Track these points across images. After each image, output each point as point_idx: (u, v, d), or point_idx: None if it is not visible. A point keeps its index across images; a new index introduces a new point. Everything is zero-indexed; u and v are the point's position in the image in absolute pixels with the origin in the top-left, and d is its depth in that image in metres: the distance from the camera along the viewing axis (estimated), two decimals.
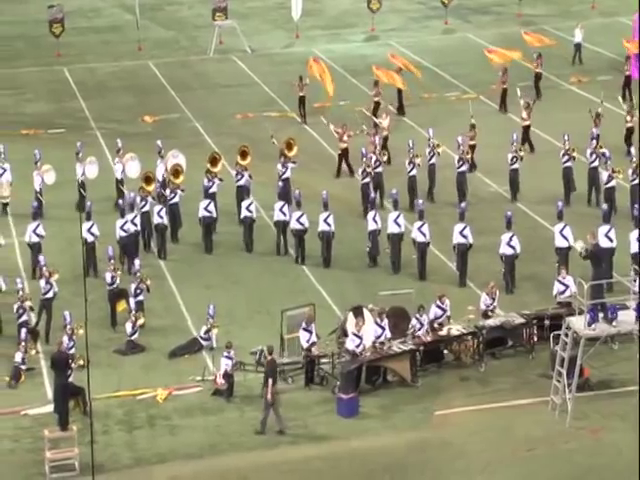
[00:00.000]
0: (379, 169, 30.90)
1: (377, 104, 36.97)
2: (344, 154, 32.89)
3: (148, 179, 29.47)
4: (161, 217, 28.63)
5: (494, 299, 24.11)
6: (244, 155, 31.06)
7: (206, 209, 28.94)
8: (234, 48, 47.57)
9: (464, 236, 26.59)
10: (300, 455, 20.35)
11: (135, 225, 28.09)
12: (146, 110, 39.84)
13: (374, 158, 30.96)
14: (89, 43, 49.42)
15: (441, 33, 49.43)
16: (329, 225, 27.81)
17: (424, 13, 52.27)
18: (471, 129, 32.90)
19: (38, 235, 27.50)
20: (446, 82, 42.08)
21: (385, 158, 31.29)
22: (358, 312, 23.00)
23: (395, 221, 27.39)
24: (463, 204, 27.31)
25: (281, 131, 33.37)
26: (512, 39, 43.96)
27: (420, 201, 28.13)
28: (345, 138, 32.76)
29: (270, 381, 20.97)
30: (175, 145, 34.64)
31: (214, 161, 30.69)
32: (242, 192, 29.82)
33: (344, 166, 33.14)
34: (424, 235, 26.98)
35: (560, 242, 26.37)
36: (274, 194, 29.81)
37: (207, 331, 23.91)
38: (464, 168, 30.95)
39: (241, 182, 30.32)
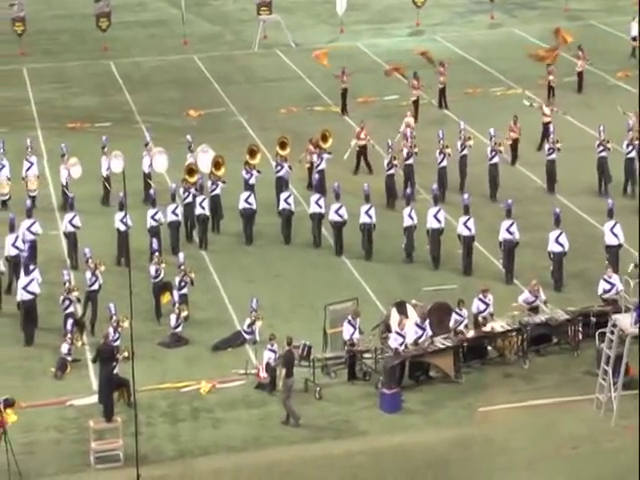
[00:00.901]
0: (410, 161, 30.95)
1: (416, 101, 36.92)
2: (362, 152, 32.77)
3: (191, 171, 29.58)
4: (203, 208, 28.74)
5: (536, 297, 23.90)
6: (283, 146, 31.09)
7: (246, 201, 29.01)
8: (278, 42, 47.58)
9: (511, 233, 26.36)
10: (342, 450, 20.31)
11: (177, 215, 28.25)
12: (191, 104, 39.91)
13: (405, 150, 31.06)
14: (135, 37, 49.67)
15: (486, 28, 49.11)
16: (370, 217, 27.79)
17: (469, 8, 51.95)
18: (515, 122, 32.68)
19: (74, 226, 27.71)
20: (491, 77, 41.85)
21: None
22: (401, 308, 22.92)
23: (435, 216, 27.25)
24: (509, 200, 27.09)
25: (324, 125, 33.36)
26: None
27: (466, 195, 27.95)
28: (362, 136, 32.62)
29: (283, 372, 21.01)
30: (219, 139, 34.84)
31: (252, 153, 30.73)
32: (281, 183, 29.91)
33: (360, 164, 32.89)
34: (469, 230, 26.80)
35: (610, 240, 26.06)
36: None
37: (250, 324, 23.93)
38: (496, 160, 30.90)
39: (280, 173, 30.43)
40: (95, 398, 21.43)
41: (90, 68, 45.31)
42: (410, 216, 27.55)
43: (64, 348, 23.04)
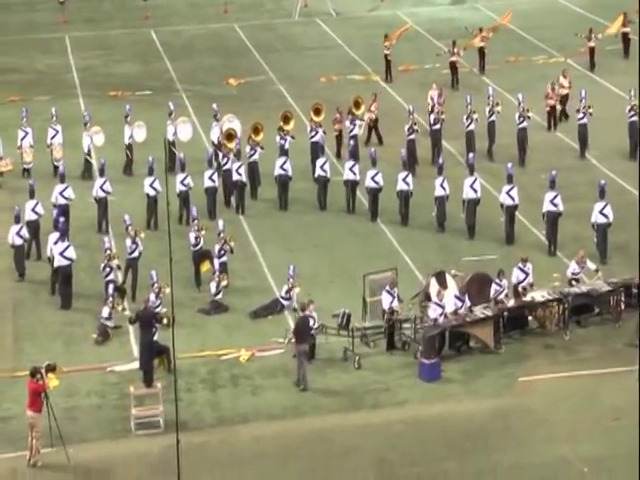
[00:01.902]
0: (437, 126, 30.89)
1: (454, 64, 36.97)
2: (374, 124, 32.45)
3: (230, 136, 29.46)
4: (239, 174, 28.61)
5: (583, 268, 23.56)
6: (318, 112, 31.05)
7: (282, 167, 28.86)
8: (318, 11, 47.25)
9: (555, 204, 26.04)
10: (382, 418, 20.20)
11: (213, 181, 28.24)
12: (231, 72, 39.77)
13: (433, 116, 31.02)
14: (176, 6, 49.56)
15: None
16: (407, 184, 27.56)
17: None
18: (552, 88, 32.39)
19: (104, 191, 27.72)
20: (533, 45, 41.35)
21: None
22: (441, 278, 22.69)
23: (471, 186, 26.97)
24: (554, 172, 26.68)
25: (364, 93, 33.13)
26: (601, 3, 42.90)
27: (510, 164, 27.60)
28: (373, 108, 32.30)
29: (294, 337, 21.05)
30: (259, 107, 34.70)
31: (286, 119, 30.64)
32: (316, 149, 29.81)
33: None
34: (512, 199, 26.48)
35: None
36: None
37: (288, 291, 23.78)
38: (524, 125, 30.84)
39: (315, 139, 30.32)
40: (136, 364, 21.44)
41: (131, 36, 45.26)
42: (442, 186, 27.24)
43: (104, 312, 23.04)
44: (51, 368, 19.35)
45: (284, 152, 29.39)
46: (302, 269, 25.12)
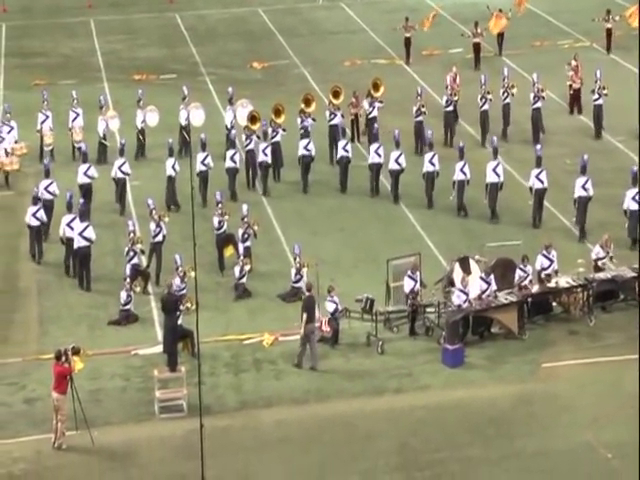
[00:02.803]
0: (449, 108, 31.04)
1: (477, 45, 37.05)
2: (356, 120, 31.86)
3: (253, 118, 29.37)
4: (266, 155, 28.55)
5: (608, 252, 23.35)
6: (336, 95, 30.98)
7: (305, 148, 28.75)
8: None
9: (585, 189, 25.85)
10: (405, 404, 20.13)
11: (234, 162, 28.23)
12: (255, 56, 39.67)
13: (445, 98, 31.21)
14: None
15: None
16: (433, 165, 27.48)
17: None
18: (575, 72, 32.36)
19: (123, 172, 27.72)
20: (559, 30, 41.05)
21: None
22: (465, 263, 22.56)
23: (494, 170, 26.79)
24: (585, 156, 26.47)
25: (387, 77, 32.99)
26: None
27: (538, 147, 27.47)
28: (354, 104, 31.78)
29: (305, 316, 20.92)
30: (282, 91, 34.59)
31: (308, 102, 30.58)
32: (335, 132, 29.76)
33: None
34: (542, 182, 26.36)
35: None
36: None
37: (297, 272, 23.55)
38: (539, 104, 30.93)
39: (334, 122, 30.24)
40: (160, 348, 21.45)
41: (156, 20, 45.22)
42: (462, 170, 27.03)
43: (123, 295, 22.99)
44: (75, 351, 19.37)
45: (307, 133, 29.32)
46: (326, 253, 25.16)
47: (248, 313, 23.38)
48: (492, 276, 22.18)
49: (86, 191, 27.20)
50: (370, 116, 31.00)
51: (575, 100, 32.94)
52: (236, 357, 21.71)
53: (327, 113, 30.73)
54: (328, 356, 21.70)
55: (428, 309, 22.39)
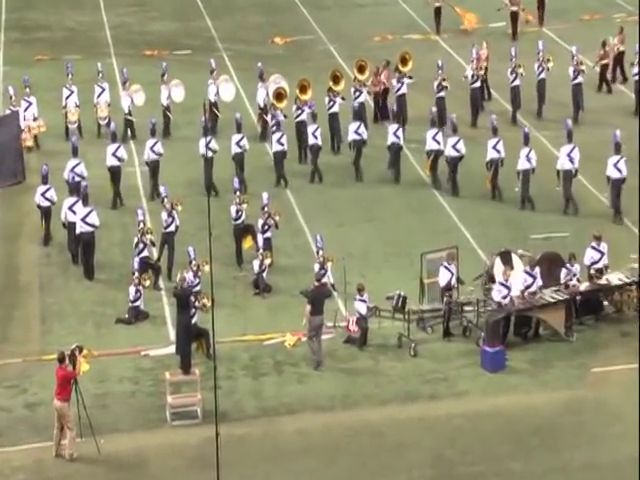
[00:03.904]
0: (476, 84, 31.19)
1: (514, 15, 37.41)
2: (382, 96, 32.00)
3: (279, 96, 29.34)
4: (315, 137, 28.54)
5: None
6: (362, 70, 30.95)
7: (356, 132, 28.65)
8: None
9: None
10: (440, 411, 20.10)
11: (282, 145, 28.28)
12: (277, 31, 39.71)
13: (471, 73, 31.32)
14: None
15: None
16: (498, 152, 27.37)
17: None
18: (602, 47, 32.70)
19: (156, 153, 27.70)
20: (611, 2, 40.91)
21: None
22: (506, 257, 22.44)
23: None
24: (617, 131, 26.49)
25: (421, 55, 32.89)
26: None
27: (569, 121, 27.46)
28: (383, 78, 31.83)
29: (309, 308, 20.99)
30: (307, 69, 34.48)
31: (336, 79, 30.49)
32: (360, 111, 29.69)
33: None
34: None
35: None
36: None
37: (321, 267, 23.40)
38: (579, 79, 31.11)
39: (360, 99, 30.27)
40: (172, 349, 21.42)
41: None
42: (528, 158, 26.87)
43: (131, 291, 22.99)
44: (79, 351, 19.35)
45: (358, 116, 29.08)
46: (353, 246, 25.12)
47: (268, 311, 23.36)
48: (537, 269, 21.99)
49: (114, 174, 27.17)
50: (398, 93, 30.93)
51: (602, 76, 33.25)
52: (255, 359, 21.69)
53: (352, 90, 30.70)
54: (356, 358, 21.68)
55: (466, 307, 22.29)
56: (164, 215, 24.74)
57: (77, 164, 26.64)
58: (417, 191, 28.28)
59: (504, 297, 21.64)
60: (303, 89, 29.75)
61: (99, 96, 31.24)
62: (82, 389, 19.13)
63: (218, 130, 30.33)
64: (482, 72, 31.78)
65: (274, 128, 28.90)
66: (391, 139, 28.37)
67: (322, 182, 28.72)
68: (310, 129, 28.78)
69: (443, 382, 20.90)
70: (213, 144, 27.61)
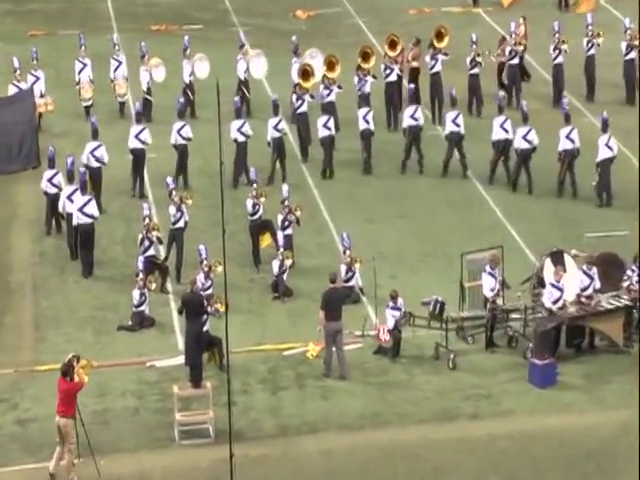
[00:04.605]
0: (514, 61, 31.50)
1: None
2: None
3: (305, 73, 29.44)
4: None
5: None
6: (393, 45, 31.11)
7: (413, 117, 28.75)
8: None
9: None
10: (482, 432, 20.13)
11: (329, 129, 28.49)
12: (299, 3, 39.93)
13: (508, 48, 31.65)
14: None
15: None
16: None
17: None
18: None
19: (183, 137, 27.88)
20: None
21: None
22: (558, 258, 22.47)
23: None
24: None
25: (462, 29, 32.95)
26: None
27: (605, 113, 27.55)
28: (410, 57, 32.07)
29: (321, 313, 21.10)
30: (333, 45, 34.64)
31: (366, 56, 30.66)
32: (391, 92, 30.16)
33: None
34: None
35: None
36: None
37: (348, 269, 23.46)
38: (633, 55, 31.34)
39: (390, 78, 30.53)
40: (181, 359, 21.51)
41: None
42: (608, 146, 26.84)
43: (135, 294, 23.08)
44: (77, 362, 19.42)
45: (415, 100, 29.22)
46: (384, 245, 25.21)
47: (288, 317, 23.48)
48: (595, 269, 21.96)
49: (137, 158, 27.36)
50: (432, 71, 31.11)
51: None
52: (274, 371, 21.79)
53: (382, 67, 30.82)
54: (387, 371, 21.76)
55: (512, 315, 22.36)
56: (172, 210, 24.85)
57: (97, 146, 26.82)
58: (455, 183, 28.35)
59: (556, 302, 21.65)
60: (331, 66, 29.80)
61: (116, 70, 31.55)
62: (80, 404, 19.20)
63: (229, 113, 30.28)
64: (521, 48, 31.83)
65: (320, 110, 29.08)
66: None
67: (366, 172, 28.82)
68: (361, 112, 28.83)
69: (485, 399, 20.94)
70: (246, 128, 27.67)
